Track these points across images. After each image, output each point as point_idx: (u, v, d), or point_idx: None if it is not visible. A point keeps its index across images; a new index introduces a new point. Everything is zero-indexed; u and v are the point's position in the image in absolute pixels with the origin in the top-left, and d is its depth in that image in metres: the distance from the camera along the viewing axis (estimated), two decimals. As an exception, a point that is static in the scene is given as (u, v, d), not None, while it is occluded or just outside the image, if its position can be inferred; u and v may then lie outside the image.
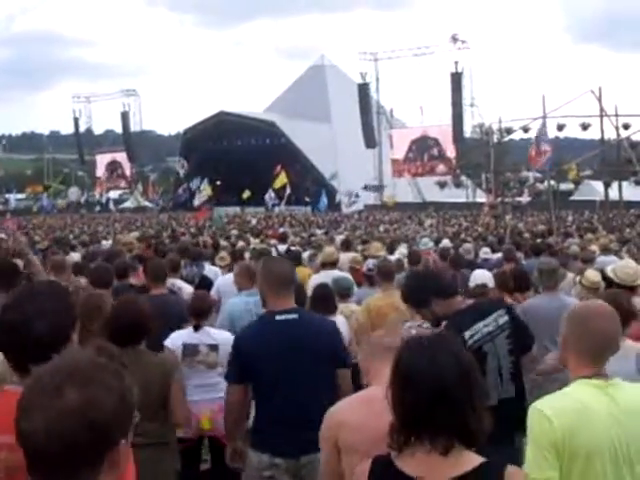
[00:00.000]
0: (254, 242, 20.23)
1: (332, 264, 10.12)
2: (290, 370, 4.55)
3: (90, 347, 1.89)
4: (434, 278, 5.77)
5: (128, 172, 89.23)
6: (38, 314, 2.77)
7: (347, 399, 3.59)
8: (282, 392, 4.56)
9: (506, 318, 5.01)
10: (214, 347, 6.18)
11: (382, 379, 3.41)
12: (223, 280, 10.04)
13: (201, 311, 6.43)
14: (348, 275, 9.60)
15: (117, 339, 4.52)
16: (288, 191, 61.43)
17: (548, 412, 3.00)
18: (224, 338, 6.16)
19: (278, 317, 4.69)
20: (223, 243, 17.90)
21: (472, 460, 2.52)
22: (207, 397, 5.99)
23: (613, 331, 3.25)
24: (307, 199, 68.60)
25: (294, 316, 4.71)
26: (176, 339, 6.21)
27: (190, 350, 6.18)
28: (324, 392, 4.50)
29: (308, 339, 4.66)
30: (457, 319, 5.25)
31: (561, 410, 3.01)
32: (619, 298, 5.05)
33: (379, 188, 70.33)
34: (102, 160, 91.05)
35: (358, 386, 3.98)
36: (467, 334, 4.88)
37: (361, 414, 3.34)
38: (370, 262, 9.90)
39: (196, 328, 6.30)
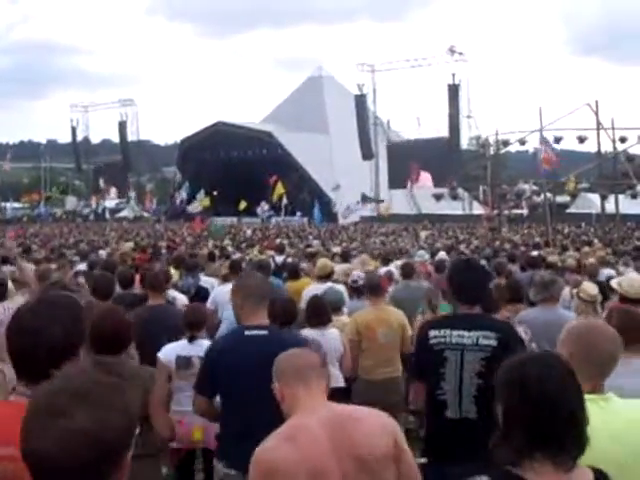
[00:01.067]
0: (252, 253, 20.23)
1: (326, 276, 10.10)
2: (256, 386, 4.44)
3: (86, 362, 1.88)
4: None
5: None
6: (53, 321, 2.78)
7: (271, 438, 3.31)
8: (247, 407, 4.57)
9: (492, 342, 4.75)
10: None
11: (301, 406, 3.35)
12: (219, 291, 10.04)
13: (195, 323, 6.42)
14: (340, 288, 9.56)
15: (100, 349, 4.50)
16: (285, 202, 61.44)
17: None
18: None
19: (247, 332, 4.71)
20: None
21: (587, 473, 2.55)
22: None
23: (613, 350, 3.29)
24: (298, 212, 68.51)
25: (263, 332, 4.70)
26: (169, 351, 6.20)
27: (183, 363, 6.18)
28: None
29: (274, 355, 4.67)
30: (433, 320, 5.26)
31: None
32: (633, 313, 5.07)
33: (376, 200, 70.35)
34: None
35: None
36: (432, 333, 4.83)
37: (291, 455, 3.18)
38: (355, 274, 9.87)
39: (191, 340, 6.28)
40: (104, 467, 1.77)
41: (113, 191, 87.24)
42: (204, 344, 6.28)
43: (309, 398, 3.34)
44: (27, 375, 2.70)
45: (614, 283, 6.99)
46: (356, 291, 9.19)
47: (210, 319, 9.53)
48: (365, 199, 68.41)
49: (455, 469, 3.01)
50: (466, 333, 4.79)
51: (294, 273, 11.50)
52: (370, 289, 8.15)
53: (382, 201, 70.79)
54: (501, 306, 7.69)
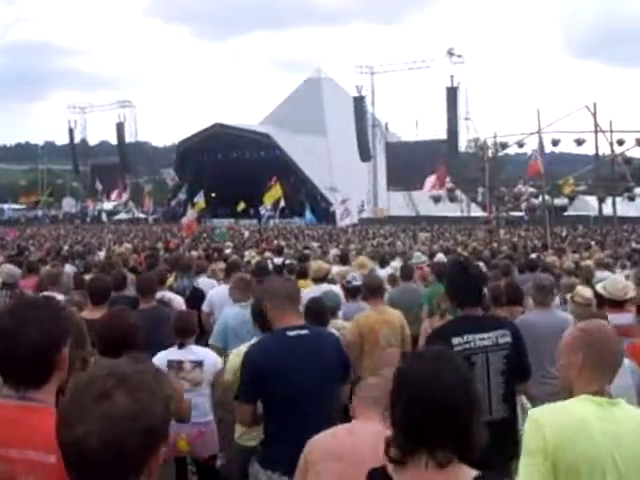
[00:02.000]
0: (249, 254, 20.19)
1: (322, 279, 10.06)
2: (303, 386, 4.49)
3: (126, 356, 1.89)
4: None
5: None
6: (31, 322, 2.74)
7: (330, 430, 3.67)
8: (295, 409, 4.50)
9: (508, 339, 4.88)
10: (198, 363, 6.15)
11: (367, 420, 3.67)
12: (216, 292, 10.00)
13: (185, 330, 6.37)
14: (337, 290, 9.52)
15: (106, 351, 4.46)
16: (282, 204, 61.31)
17: (542, 421, 3.02)
18: (207, 354, 6.20)
19: (289, 333, 4.62)
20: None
21: (467, 474, 2.48)
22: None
23: (621, 351, 3.33)
24: (296, 217, 68.45)
25: (305, 332, 4.66)
26: (160, 358, 6.17)
27: (174, 366, 6.15)
28: (332, 406, 4.55)
29: (320, 354, 4.64)
30: (448, 326, 5.21)
31: (556, 421, 3.02)
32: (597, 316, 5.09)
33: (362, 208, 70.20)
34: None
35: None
36: (455, 340, 4.79)
37: (344, 444, 3.47)
38: (350, 275, 9.82)
39: (180, 346, 6.26)
40: (143, 454, 1.76)
41: (115, 193, 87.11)
42: (194, 349, 6.26)
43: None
44: (11, 377, 2.67)
45: (599, 287, 6.98)
46: (351, 292, 9.11)
47: (207, 321, 9.54)
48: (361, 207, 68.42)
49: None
50: (486, 335, 4.83)
51: (301, 274, 11.36)
52: (370, 291, 8.10)
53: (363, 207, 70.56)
54: (497, 307, 7.68)
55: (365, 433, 3.53)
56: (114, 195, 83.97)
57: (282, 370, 4.50)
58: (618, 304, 6.52)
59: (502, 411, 4.77)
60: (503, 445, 4.44)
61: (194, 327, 6.53)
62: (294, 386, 4.48)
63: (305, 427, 4.32)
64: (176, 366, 6.15)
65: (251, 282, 8.20)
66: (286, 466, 4.35)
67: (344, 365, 4.80)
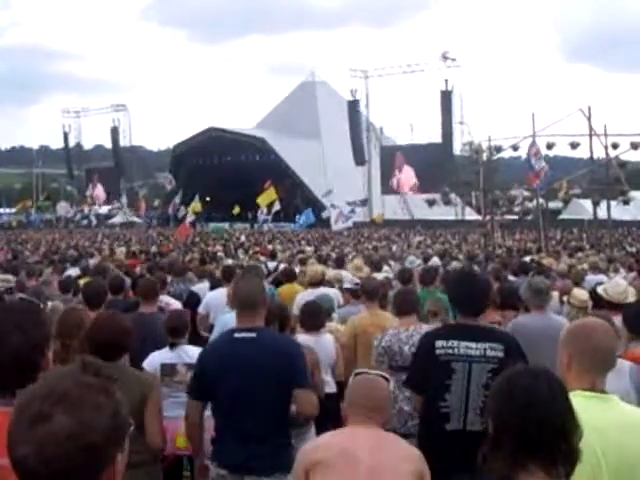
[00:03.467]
0: (242, 258, 20.20)
1: (318, 283, 10.10)
2: (244, 387, 4.62)
3: (75, 364, 1.86)
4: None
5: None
6: (13, 328, 2.73)
7: (321, 437, 3.73)
8: (237, 408, 4.65)
9: (499, 354, 4.76)
10: (191, 366, 6.13)
11: (357, 427, 3.73)
12: (212, 295, 10.02)
13: (176, 329, 6.39)
14: (332, 294, 9.55)
15: (97, 355, 4.46)
16: (278, 207, 61.28)
17: None
18: None
19: (236, 335, 4.76)
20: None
21: None
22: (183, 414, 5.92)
23: (612, 346, 3.35)
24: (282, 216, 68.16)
25: (252, 335, 4.74)
26: (154, 360, 6.20)
27: (168, 370, 6.17)
28: (278, 411, 4.68)
29: (262, 358, 4.68)
30: (436, 330, 5.24)
31: None
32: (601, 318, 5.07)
33: (364, 202, 70.25)
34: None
35: (337, 409, 4.03)
36: (439, 344, 4.79)
37: (334, 453, 3.47)
38: (353, 278, 9.86)
39: (172, 346, 6.27)
40: (92, 469, 1.73)
41: (102, 196, 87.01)
42: (187, 350, 6.28)
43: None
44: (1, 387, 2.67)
45: (600, 290, 7.00)
46: (354, 295, 9.13)
47: (203, 323, 9.56)
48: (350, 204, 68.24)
49: None
50: (473, 344, 4.76)
51: (292, 277, 11.39)
52: (366, 294, 8.12)
53: (365, 201, 70.61)
54: (491, 310, 7.67)
55: (366, 436, 3.56)
56: (97, 192, 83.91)
57: (223, 369, 4.69)
58: (617, 307, 6.53)
59: (478, 424, 4.58)
60: (473, 459, 4.41)
61: (185, 326, 6.52)
62: (233, 386, 4.64)
63: (246, 426, 4.58)
64: (169, 370, 6.15)
65: None
66: (222, 459, 4.66)
67: (294, 371, 4.77)
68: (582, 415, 3.01)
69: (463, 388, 4.71)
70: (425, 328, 7.03)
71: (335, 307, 8.99)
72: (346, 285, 9.71)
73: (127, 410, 1.84)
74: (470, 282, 5.14)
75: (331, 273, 11.67)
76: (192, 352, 6.27)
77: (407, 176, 70.85)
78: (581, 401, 3.08)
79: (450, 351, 4.77)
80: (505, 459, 2.49)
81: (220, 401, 4.74)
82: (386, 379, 3.98)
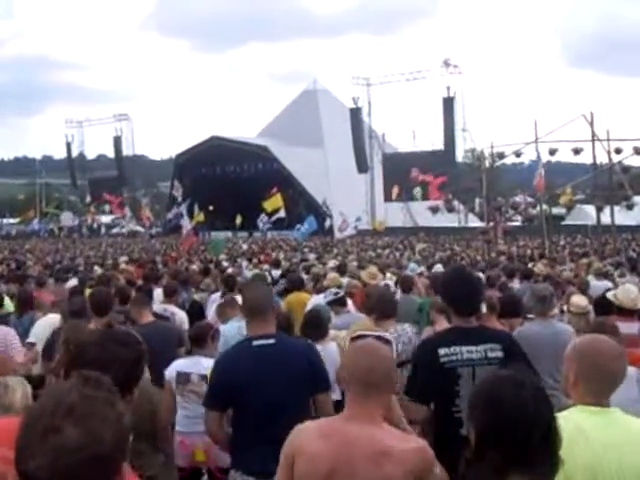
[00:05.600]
0: (246, 265, 20.19)
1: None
2: (267, 394, 4.57)
3: (75, 378, 1.88)
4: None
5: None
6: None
7: (311, 424, 3.44)
8: (266, 415, 4.58)
9: (499, 354, 4.76)
10: (204, 377, 6.18)
11: (352, 423, 3.30)
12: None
13: (194, 338, 6.54)
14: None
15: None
16: (283, 215, 61.20)
17: None
18: None
19: (255, 342, 4.70)
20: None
21: None
22: (201, 430, 5.92)
23: (623, 368, 3.27)
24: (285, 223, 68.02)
25: (270, 341, 4.72)
26: (172, 368, 6.31)
27: (182, 378, 6.23)
28: (301, 416, 4.53)
29: (284, 363, 4.67)
30: (436, 337, 5.19)
31: (562, 430, 2.99)
32: (606, 325, 5.06)
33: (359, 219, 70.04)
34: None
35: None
36: (442, 351, 4.76)
37: (318, 445, 3.26)
38: (333, 289, 9.81)
39: (187, 353, 6.44)
40: (101, 478, 1.77)
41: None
42: (203, 362, 6.30)
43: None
44: None
45: (610, 295, 6.98)
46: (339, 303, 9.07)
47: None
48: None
49: None
50: (474, 348, 4.75)
51: (299, 285, 11.40)
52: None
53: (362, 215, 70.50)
54: (493, 318, 7.65)
55: (359, 437, 3.25)
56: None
57: (245, 380, 4.62)
58: (627, 313, 6.50)
59: None
60: None
61: (204, 337, 6.58)
62: (257, 396, 4.58)
63: (269, 432, 4.46)
64: (184, 379, 6.22)
65: (235, 299, 8.44)
66: (248, 467, 4.59)
67: (316, 375, 4.79)
68: (593, 432, 3.00)
69: (470, 392, 4.69)
70: (405, 327, 7.11)
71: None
72: (329, 298, 9.51)
73: (129, 420, 1.88)
74: (464, 281, 5.10)
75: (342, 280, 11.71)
76: (207, 364, 6.32)
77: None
78: (589, 417, 3.07)
79: (454, 357, 4.74)
80: (490, 471, 2.48)
81: (246, 410, 4.68)
82: (388, 342, 3.77)
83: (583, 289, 10.84)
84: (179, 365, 6.34)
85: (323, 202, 69.15)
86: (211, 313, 9.89)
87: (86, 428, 1.75)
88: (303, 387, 4.68)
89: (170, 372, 6.23)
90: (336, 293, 9.22)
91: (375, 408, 3.30)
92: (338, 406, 6.64)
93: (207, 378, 6.18)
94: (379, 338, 3.83)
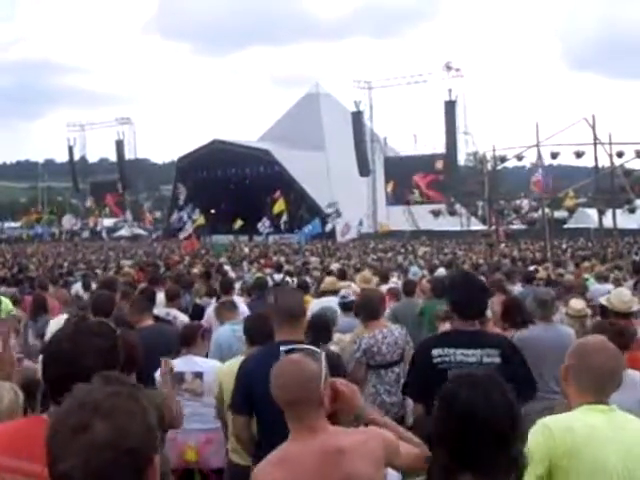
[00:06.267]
0: (247, 268, 20.19)
1: (332, 292, 10.23)
2: None
3: (95, 378, 1.90)
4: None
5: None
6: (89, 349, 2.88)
7: (263, 461, 3.30)
8: (279, 422, 4.51)
9: (496, 360, 4.75)
10: (199, 374, 6.26)
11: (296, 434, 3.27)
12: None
13: (183, 338, 6.55)
14: (334, 304, 9.56)
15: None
16: (285, 218, 61.33)
17: (552, 425, 3.05)
18: (209, 366, 6.25)
19: (282, 347, 4.67)
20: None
21: None
22: (195, 427, 5.92)
23: (612, 366, 3.26)
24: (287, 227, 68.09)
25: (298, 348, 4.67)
26: None
27: (177, 378, 6.20)
28: None
29: (310, 372, 4.62)
30: (433, 338, 5.20)
31: (567, 427, 3.04)
32: (605, 326, 5.07)
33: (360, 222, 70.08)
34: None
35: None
36: (435, 352, 4.77)
37: (274, 476, 3.16)
38: (343, 291, 9.84)
39: (177, 353, 6.39)
40: (134, 473, 1.78)
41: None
42: (197, 360, 6.33)
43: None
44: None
45: (603, 300, 6.97)
46: (346, 308, 9.11)
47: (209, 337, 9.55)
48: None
49: None
50: (470, 351, 4.75)
51: (304, 288, 11.55)
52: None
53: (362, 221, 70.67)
54: (491, 324, 7.64)
55: (297, 463, 3.17)
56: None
57: (268, 384, 4.56)
58: (622, 317, 6.49)
59: None
60: None
61: (193, 336, 6.60)
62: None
63: None
64: (178, 378, 6.21)
65: (233, 302, 8.55)
66: None
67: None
68: (606, 431, 3.01)
69: None
70: (393, 328, 7.14)
71: (337, 319, 9.00)
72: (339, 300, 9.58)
73: (154, 414, 1.89)
74: (468, 285, 5.12)
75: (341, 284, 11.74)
76: (201, 362, 6.43)
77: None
78: (599, 416, 3.08)
79: (447, 359, 4.77)
80: (440, 470, 2.48)
81: (271, 418, 4.61)
82: (313, 354, 3.67)
83: (581, 292, 10.83)
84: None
85: (330, 204, 69.07)
86: (206, 316, 9.90)
87: (114, 423, 1.76)
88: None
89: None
90: (344, 297, 9.27)
91: (309, 420, 3.23)
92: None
93: (201, 375, 6.22)
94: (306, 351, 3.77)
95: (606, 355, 3.25)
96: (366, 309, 7.27)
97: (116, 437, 1.74)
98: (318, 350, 3.69)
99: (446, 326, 7.55)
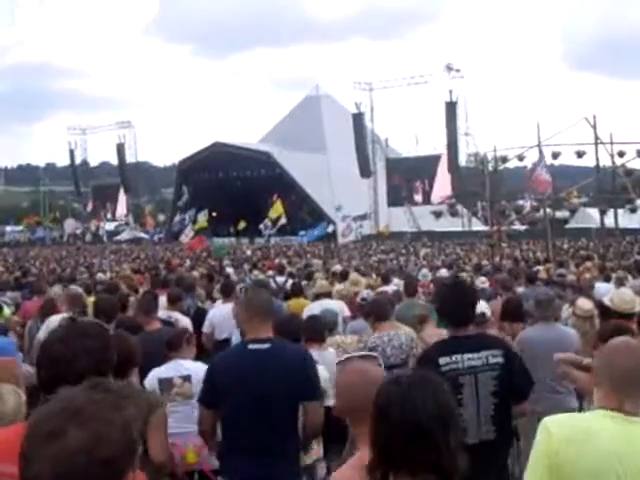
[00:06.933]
0: (250, 270, 20.17)
1: (326, 295, 10.20)
2: (258, 399, 4.60)
3: (85, 383, 1.88)
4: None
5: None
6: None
7: (342, 470, 3.14)
8: (251, 420, 4.61)
9: (500, 360, 4.78)
10: (187, 377, 6.29)
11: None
12: (216, 311, 10.02)
13: (170, 342, 6.56)
14: (336, 307, 9.56)
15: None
16: (284, 221, 61.24)
17: (550, 425, 3.03)
18: (196, 367, 6.26)
19: (250, 346, 4.74)
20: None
21: None
22: (191, 430, 5.92)
23: (636, 368, 3.10)
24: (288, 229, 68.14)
25: (265, 345, 4.75)
26: (152, 377, 6.28)
27: (165, 384, 6.25)
28: (290, 422, 4.69)
29: (275, 370, 4.69)
30: (436, 346, 5.19)
31: (564, 428, 3.03)
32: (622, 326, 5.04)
33: (363, 217, 70.17)
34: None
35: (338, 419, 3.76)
36: (442, 360, 4.76)
37: None
38: (364, 292, 9.87)
39: (165, 357, 6.41)
40: None
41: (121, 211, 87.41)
42: (184, 363, 6.36)
43: None
44: None
45: (606, 300, 6.92)
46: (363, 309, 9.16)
47: (208, 341, 9.55)
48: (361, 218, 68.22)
49: None
50: (475, 355, 4.76)
51: (299, 292, 11.51)
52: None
53: (367, 214, 70.68)
54: (492, 325, 7.65)
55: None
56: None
57: (235, 382, 4.68)
58: (625, 317, 6.47)
59: (492, 433, 4.68)
60: (491, 467, 4.43)
61: (178, 341, 6.59)
62: (246, 398, 4.62)
63: (260, 439, 4.56)
64: (167, 384, 6.24)
65: None
66: (244, 476, 4.61)
67: (307, 382, 4.81)
68: (605, 437, 2.97)
69: (474, 400, 4.71)
70: (401, 332, 7.17)
71: (340, 321, 9.02)
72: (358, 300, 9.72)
73: (138, 426, 1.86)
74: (458, 293, 5.12)
75: (336, 287, 11.73)
76: (188, 365, 6.43)
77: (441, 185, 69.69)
78: (606, 422, 3.01)
79: (455, 366, 4.75)
80: (373, 471, 2.51)
81: (232, 413, 4.71)
82: (374, 358, 3.68)
83: (586, 290, 10.82)
84: (159, 372, 6.32)
85: (338, 207, 69.06)
86: (207, 320, 9.86)
87: (90, 431, 1.72)
88: (293, 393, 4.71)
89: (151, 381, 6.19)
90: (364, 298, 9.36)
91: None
92: (328, 412, 6.69)
93: (189, 378, 6.25)
94: (365, 357, 3.80)
95: (628, 356, 3.11)
96: (373, 311, 7.33)
97: (90, 445, 1.71)
98: (375, 354, 3.78)
99: (428, 328, 7.67)
